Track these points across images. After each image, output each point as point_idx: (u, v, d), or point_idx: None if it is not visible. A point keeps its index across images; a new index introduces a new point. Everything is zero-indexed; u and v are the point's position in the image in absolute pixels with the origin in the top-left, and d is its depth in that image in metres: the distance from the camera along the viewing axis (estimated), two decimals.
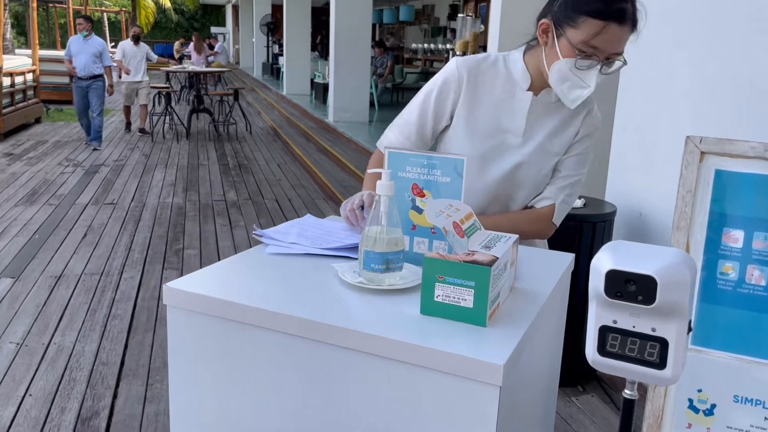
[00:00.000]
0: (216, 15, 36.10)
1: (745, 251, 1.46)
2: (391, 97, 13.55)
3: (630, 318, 0.79)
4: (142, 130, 9.64)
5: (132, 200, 5.87)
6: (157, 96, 10.15)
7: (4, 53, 9.55)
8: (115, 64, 9.13)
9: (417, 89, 1.62)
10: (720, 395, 1.48)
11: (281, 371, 0.99)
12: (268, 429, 1.02)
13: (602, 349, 0.81)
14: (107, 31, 22.68)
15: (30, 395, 2.60)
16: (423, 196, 1.19)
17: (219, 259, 4.27)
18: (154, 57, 9.93)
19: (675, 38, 2.46)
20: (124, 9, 27.31)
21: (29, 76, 10.19)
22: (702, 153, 1.46)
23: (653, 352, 0.78)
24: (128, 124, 9.88)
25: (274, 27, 20.31)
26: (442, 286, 0.95)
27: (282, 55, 16.63)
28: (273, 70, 20.26)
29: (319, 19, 18.52)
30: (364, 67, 10.13)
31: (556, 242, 1.62)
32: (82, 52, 8.13)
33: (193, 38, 14.34)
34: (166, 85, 10.58)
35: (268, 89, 16.99)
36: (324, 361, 0.95)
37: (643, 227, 2.65)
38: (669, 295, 0.75)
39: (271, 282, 1.10)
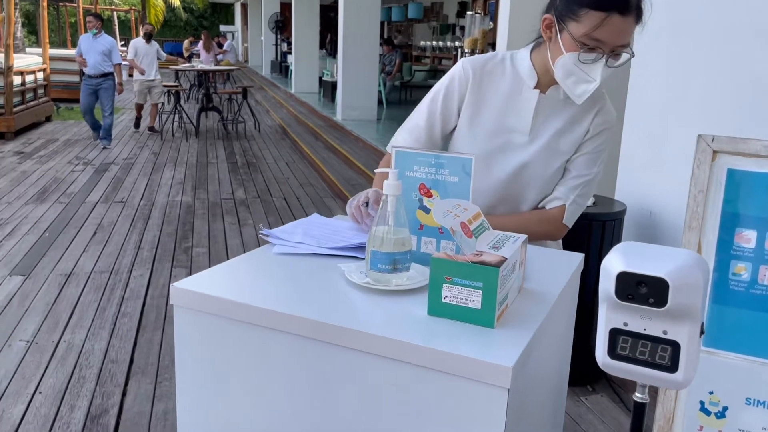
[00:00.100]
0: (225, 13, 36.19)
1: (757, 252, 1.44)
2: (399, 95, 13.53)
3: (641, 320, 0.78)
4: (151, 129, 9.67)
5: (141, 198, 5.89)
6: (166, 94, 10.18)
7: (15, 52, 9.61)
8: (125, 63, 9.17)
9: (425, 87, 1.62)
10: (732, 397, 1.46)
11: (287, 372, 0.98)
12: (273, 429, 1.01)
13: (613, 352, 0.80)
14: (117, 30, 22.77)
15: (40, 393, 2.62)
16: (430, 196, 1.18)
17: (228, 258, 4.29)
18: (164, 55, 9.96)
19: (685, 35, 2.43)
20: (133, 8, 27.41)
21: (40, 75, 10.25)
22: (714, 152, 1.44)
23: (665, 355, 0.77)
24: (138, 121, 9.90)
25: (282, 25, 20.34)
26: (449, 287, 0.94)
27: (290, 53, 16.64)
28: (281, 68, 20.29)
29: (328, 16, 18.52)
30: (372, 65, 10.12)
31: (565, 241, 1.60)
32: (91, 50, 8.15)
33: (202, 37, 14.37)
34: (176, 84, 10.61)
35: (277, 87, 17.02)
36: (330, 362, 0.94)
37: (653, 226, 2.63)
38: (681, 297, 0.73)
39: (277, 282, 1.10)
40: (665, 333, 0.76)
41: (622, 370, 0.80)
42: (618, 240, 2.68)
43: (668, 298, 0.73)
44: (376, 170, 1.48)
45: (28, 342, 3.05)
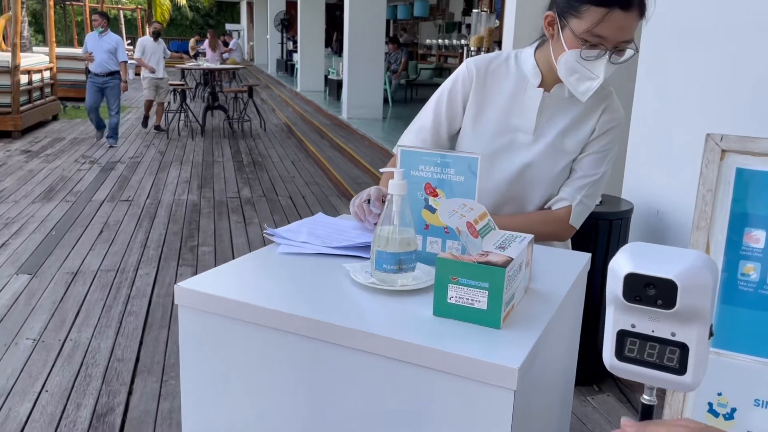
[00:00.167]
0: (231, 12, 36.25)
1: (767, 252, 1.42)
2: (405, 94, 13.52)
3: (649, 322, 0.76)
4: (157, 128, 9.69)
5: (147, 197, 5.90)
6: (172, 93, 10.21)
7: (21, 51, 9.64)
8: (132, 61, 9.17)
9: (431, 85, 1.62)
10: (740, 399, 1.45)
11: (292, 372, 0.98)
12: (277, 430, 1.01)
13: (620, 354, 0.79)
14: (123, 29, 22.86)
15: (46, 391, 2.62)
16: (436, 195, 1.17)
17: (233, 257, 4.29)
18: (168, 53, 9.98)
19: (691, 32, 2.41)
20: (140, 6, 27.47)
21: (47, 74, 10.28)
22: (723, 151, 1.42)
23: (673, 357, 0.76)
24: (146, 120, 9.89)
25: (288, 24, 20.34)
26: (455, 288, 0.93)
27: (296, 51, 16.65)
28: (287, 66, 20.30)
29: (333, 15, 18.51)
30: (377, 63, 10.11)
31: (572, 241, 1.59)
32: (97, 48, 8.16)
33: (208, 35, 14.41)
34: (181, 83, 10.63)
35: (282, 86, 17.03)
36: (334, 363, 0.94)
37: (660, 225, 2.61)
38: (690, 299, 0.72)
39: (282, 282, 1.09)
40: (674, 335, 0.75)
41: (630, 372, 0.79)
42: (625, 239, 2.66)
43: (677, 299, 0.72)
44: (381, 170, 1.47)
45: (34, 340, 3.06)
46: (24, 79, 9.13)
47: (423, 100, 1.59)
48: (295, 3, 15.55)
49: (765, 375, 1.42)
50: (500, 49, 5.43)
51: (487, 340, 0.89)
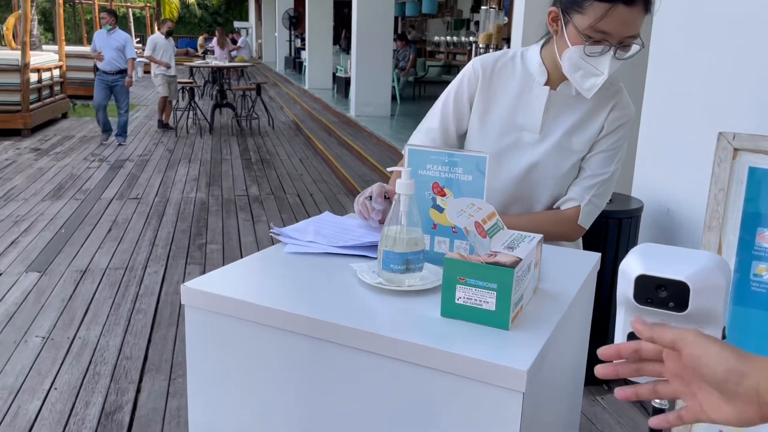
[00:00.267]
0: (239, 9, 36.31)
1: None
2: (413, 91, 13.49)
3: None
4: (165, 125, 9.72)
5: (156, 195, 5.92)
6: (180, 91, 10.24)
7: (31, 49, 9.70)
8: (141, 59, 9.18)
9: (439, 82, 1.61)
10: None
11: (298, 372, 0.97)
12: (284, 430, 1.00)
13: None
14: (132, 27, 22.94)
15: (55, 389, 2.64)
16: (444, 194, 1.16)
17: (241, 255, 4.29)
18: (174, 50, 10.00)
19: (702, 29, 2.39)
20: (148, 5, 27.57)
21: (56, 72, 10.33)
22: (735, 150, 1.41)
23: None
24: (161, 122, 9.79)
25: (296, 21, 20.35)
26: (463, 288, 0.92)
27: (304, 49, 16.65)
28: (295, 64, 20.32)
29: (341, 12, 18.50)
30: (386, 61, 10.09)
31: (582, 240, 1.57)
32: (106, 46, 8.15)
33: (216, 33, 14.43)
34: (190, 81, 10.66)
35: (291, 83, 17.04)
36: (341, 363, 0.93)
37: (671, 224, 2.59)
38: (702, 301, 0.71)
39: (288, 282, 1.09)
40: None
41: None
42: (635, 238, 2.64)
43: (689, 301, 0.71)
44: (389, 169, 1.47)
45: (43, 338, 3.07)
46: (34, 77, 9.17)
47: (431, 98, 1.58)
48: (303, 1, 15.55)
49: None
50: (509, 46, 5.40)
51: (496, 341, 0.88)
